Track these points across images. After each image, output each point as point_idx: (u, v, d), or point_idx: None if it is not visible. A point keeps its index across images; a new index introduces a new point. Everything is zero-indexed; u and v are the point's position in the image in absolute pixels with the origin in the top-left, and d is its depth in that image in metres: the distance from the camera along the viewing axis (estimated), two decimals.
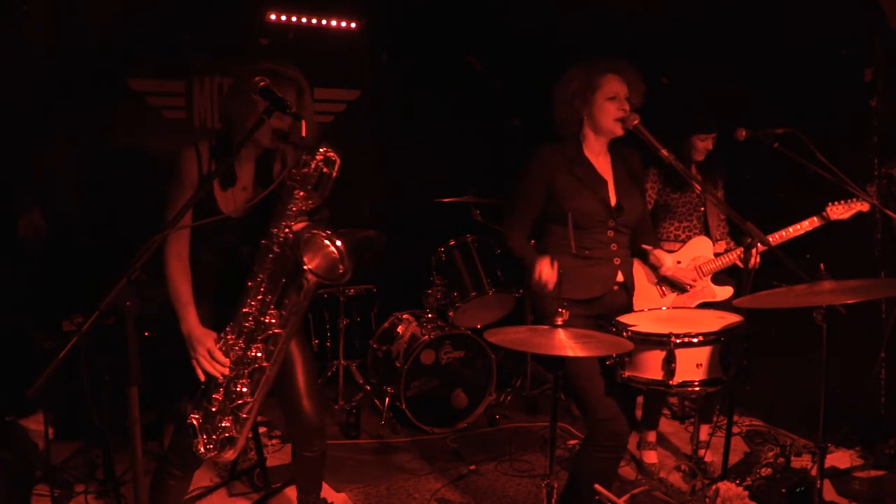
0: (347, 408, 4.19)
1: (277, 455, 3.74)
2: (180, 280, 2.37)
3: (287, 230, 2.26)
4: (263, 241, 2.29)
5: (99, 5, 4.27)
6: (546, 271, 2.52)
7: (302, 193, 2.24)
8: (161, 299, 2.42)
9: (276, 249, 2.28)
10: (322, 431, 2.72)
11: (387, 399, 4.23)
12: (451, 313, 4.52)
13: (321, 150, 2.22)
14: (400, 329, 4.39)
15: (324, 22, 5.28)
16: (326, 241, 2.24)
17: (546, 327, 2.27)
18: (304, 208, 2.27)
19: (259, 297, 2.30)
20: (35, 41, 4.17)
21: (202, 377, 2.32)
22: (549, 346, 2.16)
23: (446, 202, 4.77)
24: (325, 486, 3.46)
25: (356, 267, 2.25)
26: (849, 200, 3.33)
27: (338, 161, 2.22)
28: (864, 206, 3.35)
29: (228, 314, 2.35)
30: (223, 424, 2.35)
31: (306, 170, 2.22)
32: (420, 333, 4.23)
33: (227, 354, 2.31)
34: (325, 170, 2.22)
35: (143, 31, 4.45)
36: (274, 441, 3.87)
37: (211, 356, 2.30)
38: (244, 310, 2.31)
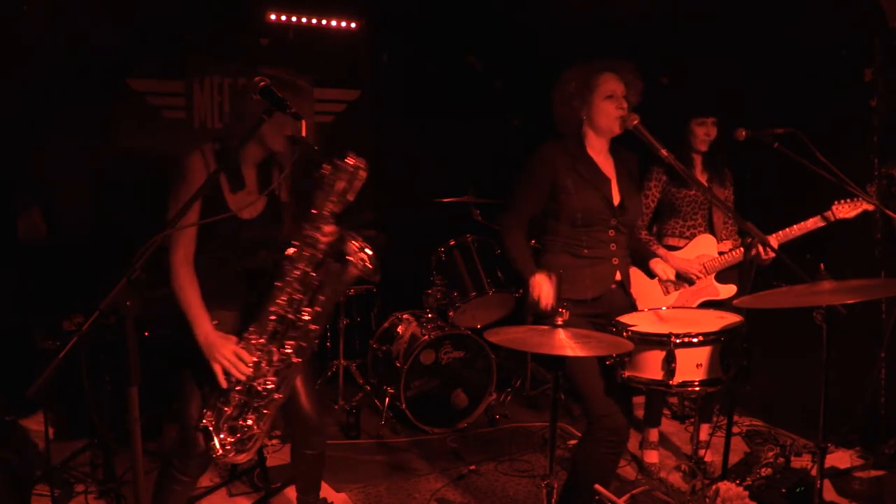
0: (347, 408, 4.19)
1: (277, 455, 3.73)
2: (191, 286, 2.36)
3: (318, 233, 2.35)
4: (296, 242, 2.34)
5: (99, 5, 4.27)
6: (545, 294, 2.54)
7: (333, 198, 2.34)
8: (162, 299, 2.42)
9: (308, 250, 2.34)
10: (322, 430, 2.73)
11: (387, 399, 4.23)
12: (451, 313, 4.53)
13: (351, 159, 2.36)
14: (400, 329, 4.39)
15: (324, 22, 5.29)
16: (358, 245, 2.39)
17: (546, 327, 2.27)
18: (334, 210, 2.36)
19: (286, 297, 2.35)
20: (35, 41, 4.17)
21: (224, 383, 2.34)
22: (549, 346, 2.16)
23: (446, 202, 4.77)
24: (325, 485, 3.46)
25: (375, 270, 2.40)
26: (854, 199, 3.30)
27: (365, 171, 2.39)
28: (869, 206, 3.32)
29: (251, 316, 2.40)
30: (247, 423, 2.40)
31: (335, 177, 2.33)
32: (420, 333, 4.23)
33: (251, 354, 2.35)
34: (358, 178, 2.37)
35: (143, 31, 4.45)
36: (274, 441, 3.86)
37: (237, 357, 2.32)
38: (272, 308, 2.35)
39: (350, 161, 2.34)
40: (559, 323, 2.24)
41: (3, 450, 3.08)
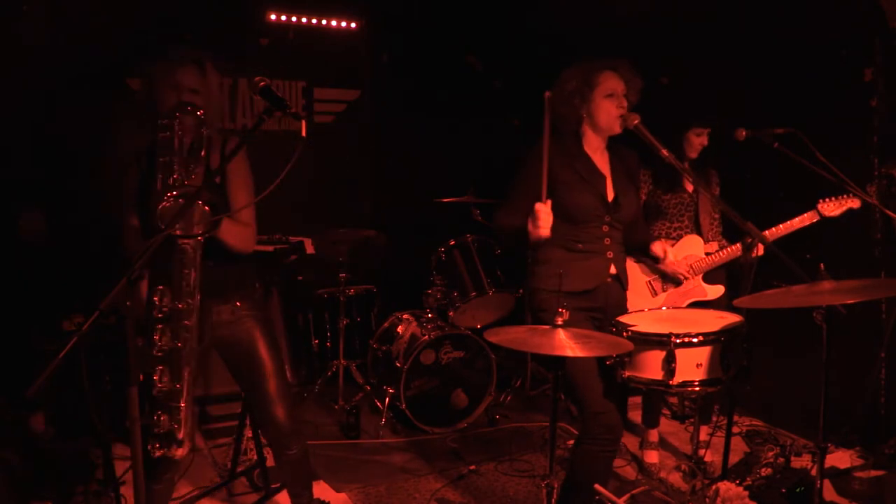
0: (347, 408, 4.19)
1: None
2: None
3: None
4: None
5: (99, 5, 4.27)
6: (543, 218, 2.48)
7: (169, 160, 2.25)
8: None
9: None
10: (297, 433, 2.72)
11: (387, 399, 4.23)
12: (451, 313, 4.53)
13: (185, 110, 2.26)
14: (400, 329, 4.39)
15: (324, 22, 5.29)
16: (181, 204, 2.13)
17: (546, 327, 2.27)
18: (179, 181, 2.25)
19: (160, 288, 2.24)
20: (35, 41, 4.16)
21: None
22: (549, 346, 2.16)
23: (446, 202, 4.77)
24: (325, 486, 3.47)
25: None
26: (839, 197, 3.32)
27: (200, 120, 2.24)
28: (854, 203, 3.33)
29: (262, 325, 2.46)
30: (161, 420, 2.30)
31: (165, 134, 2.25)
32: (420, 333, 4.23)
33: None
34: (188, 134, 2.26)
35: (143, 31, 4.45)
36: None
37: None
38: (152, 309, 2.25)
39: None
40: (559, 323, 2.25)
41: (3, 450, 3.08)
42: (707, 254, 3.50)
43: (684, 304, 3.46)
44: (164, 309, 2.25)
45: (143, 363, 2.24)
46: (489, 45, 5.57)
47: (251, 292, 2.64)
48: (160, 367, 2.28)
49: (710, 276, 3.52)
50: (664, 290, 3.45)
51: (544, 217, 2.47)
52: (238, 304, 2.57)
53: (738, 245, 3.44)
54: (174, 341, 2.28)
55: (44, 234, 4.21)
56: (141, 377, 2.19)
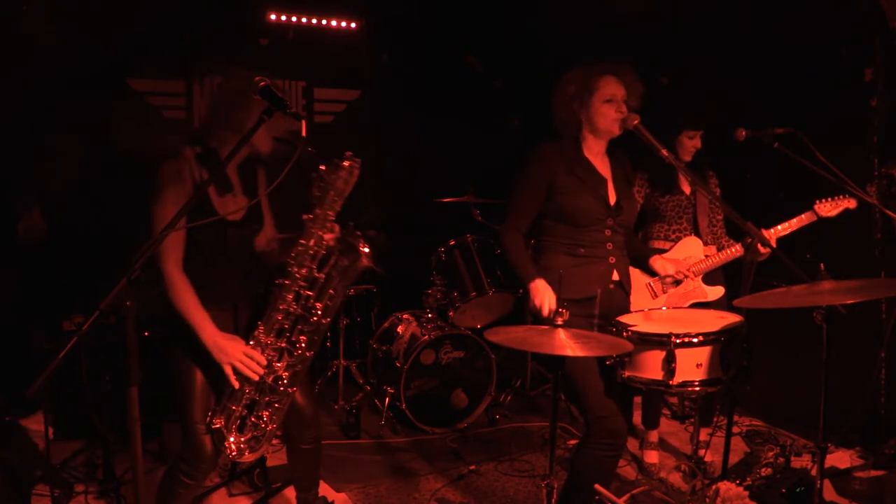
0: (347, 408, 4.19)
1: (277, 455, 3.72)
2: (187, 291, 2.37)
3: (324, 231, 2.39)
4: (302, 241, 2.38)
5: (98, 5, 4.27)
6: (548, 300, 2.59)
7: (332, 195, 2.38)
8: (162, 299, 2.42)
9: (314, 249, 2.39)
10: (316, 424, 2.75)
11: (387, 399, 4.23)
12: (451, 313, 4.52)
13: (347, 160, 2.38)
14: (400, 329, 4.39)
15: (324, 22, 5.29)
16: (361, 241, 2.46)
17: (546, 327, 2.27)
18: (337, 209, 2.42)
19: (292, 295, 2.40)
20: (35, 41, 4.17)
21: (235, 384, 2.37)
22: (549, 346, 2.16)
23: (446, 202, 4.77)
24: (325, 485, 3.46)
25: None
26: (835, 197, 3.32)
27: (359, 168, 2.40)
28: (850, 203, 3.33)
29: (246, 312, 2.47)
30: (262, 419, 2.45)
31: (335, 176, 2.36)
32: (420, 333, 4.23)
33: (262, 353, 2.39)
34: (354, 176, 2.40)
35: (143, 31, 4.45)
36: (274, 441, 3.85)
37: (249, 357, 2.35)
38: (280, 306, 2.39)
39: (346, 162, 2.39)
40: (559, 323, 2.25)
41: (3, 450, 3.08)
42: (706, 255, 3.50)
43: (684, 306, 3.46)
44: (314, 319, 2.43)
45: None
46: (489, 45, 5.57)
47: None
48: (286, 374, 2.45)
49: (709, 278, 3.52)
50: (664, 292, 3.45)
51: (548, 298, 2.59)
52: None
53: (737, 246, 3.44)
54: (308, 350, 2.46)
55: (44, 235, 4.21)
56: (257, 376, 2.37)
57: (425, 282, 4.65)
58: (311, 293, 2.43)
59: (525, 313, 2.85)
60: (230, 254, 2.50)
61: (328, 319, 2.46)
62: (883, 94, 3.65)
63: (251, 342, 2.40)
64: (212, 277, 2.43)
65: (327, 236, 2.40)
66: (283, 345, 2.44)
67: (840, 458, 3.60)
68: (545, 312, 2.58)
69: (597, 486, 2.61)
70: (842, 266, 2.39)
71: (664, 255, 3.48)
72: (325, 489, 3.46)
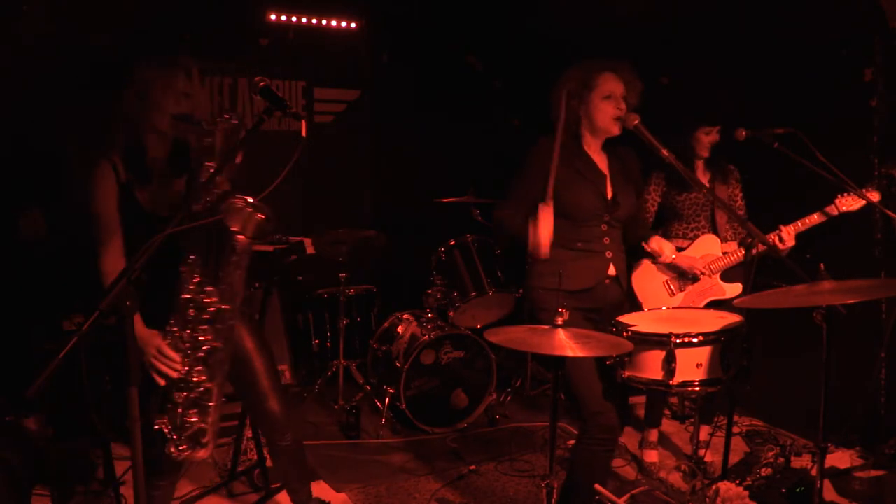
0: (347, 408, 4.19)
1: None
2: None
3: (207, 202, 2.22)
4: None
5: (99, 5, 4.27)
6: (544, 230, 2.49)
7: (212, 163, 2.22)
8: None
9: (198, 230, 2.23)
10: (291, 424, 2.72)
11: (387, 399, 4.23)
12: (451, 313, 4.52)
13: (223, 118, 2.25)
14: (400, 329, 4.39)
15: (324, 22, 5.29)
16: (246, 206, 2.19)
17: (546, 327, 2.27)
18: (219, 178, 2.25)
19: (196, 280, 2.25)
20: (35, 41, 4.16)
21: (161, 381, 2.28)
22: (549, 346, 2.16)
23: (446, 202, 4.77)
24: (325, 486, 3.47)
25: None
26: (857, 191, 3.30)
27: (239, 125, 2.25)
28: (874, 197, 3.29)
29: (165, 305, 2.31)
30: (191, 419, 2.31)
31: (210, 139, 2.24)
32: (420, 333, 4.23)
33: (176, 348, 2.27)
34: (228, 136, 2.24)
35: (143, 31, 4.44)
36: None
37: (161, 354, 2.25)
38: (184, 296, 2.26)
39: (222, 123, 2.26)
40: (559, 323, 2.25)
41: (3, 450, 3.08)
42: (724, 253, 3.49)
43: (702, 304, 3.45)
44: (211, 309, 2.27)
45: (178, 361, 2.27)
46: (489, 45, 5.57)
47: None
48: (199, 367, 2.30)
49: (727, 275, 3.51)
50: (682, 290, 3.45)
51: (545, 223, 2.48)
52: None
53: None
54: (217, 341, 2.29)
55: (44, 235, 4.21)
56: (177, 373, 2.25)
57: (425, 282, 4.65)
58: (203, 278, 2.28)
59: (525, 313, 2.85)
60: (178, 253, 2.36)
61: (229, 305, 2.27)
62: (883, 94, 3.65)
63: (167, 338, 2.28)
64: (150, 270, 2.31)
65: (197, 207, 2.21)
66: (201, 336, 2.29)
67: (840, 458, 3.60)
68: (541, 250, 2.50)
69: (596, 486, 2.61)
70: (842, 266, 2.38)
71: (682, 252, 3.48)
72: (325, 489, 3.46)
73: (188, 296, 2.26)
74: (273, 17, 5.09)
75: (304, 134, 2.12)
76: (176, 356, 2.27)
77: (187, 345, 2.28)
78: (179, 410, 2.31)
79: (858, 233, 3.68)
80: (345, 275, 4.59)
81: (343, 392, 4.55)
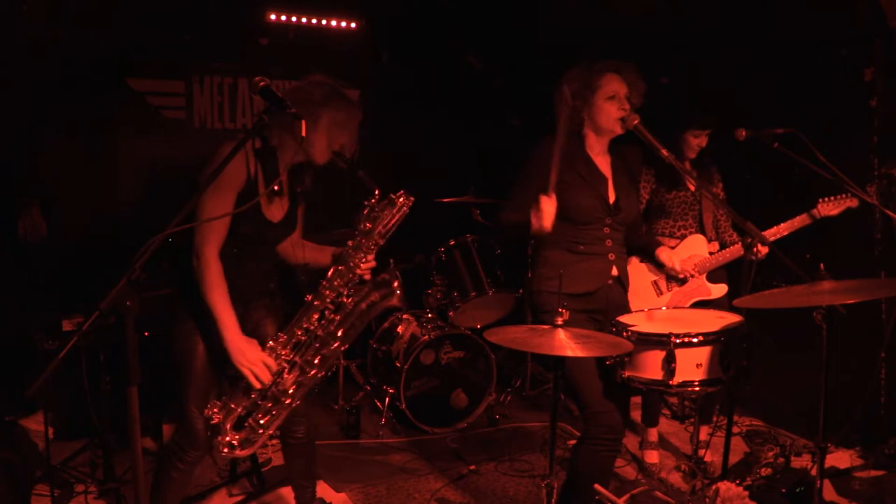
0: (347, 408, 4.19)
1: (278, 454, 3.73)
2: (220, 283, 2.37)
3: (361, 261, 2.49)
4: (340, 267, 2.46)
5: (98, 5, 4.27)
6: (545, 206, 2.47)
7: (380, 230, 2.49)
8: (162, 300, 2.43)
9: (349, 275, 2.48)
10: (307, 417, 2.76)
11: (387, 399, 4.23)
12: (451, 313, 4.52)
13: (403, 197, 2.56)
14: (400, 329, 4.39)
15: (324, 22, 5.28)
16: (394, 277, 2.57)
17: (546, 327, 2.27)
18: (380, 242, 2.51)
19: (317, 314, 2.46)
20: (35, 41, 4.17)
21: (257, 384, 2.38)
22: (549, 346, 2.17)
23: (446, 202, 4.77)
24: (325, 486, 3.47)
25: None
26: (838, 197, 3.32)
27: (409, 209, 2.56)
28: (853, 202, 3.32)
29: (262, 317, 2.52)
30: (259, 422, 2.46)
31: (386, 211, 2.51)
32: (420, 333, 4.23)
33: (276, 362, 2.42)
34: (401, 214, 2.55)
35: (143, 30, 4.45)
36: (274, 441, 3.86)
37: (264, 365, 2.38)
38: (304, 324, 2.44)
39: (401, 199, 2.53)
40: (559, 323, 2.25)
41: (3, 450, 3.08)
42: (711, 253, 3.50)
43: (688, 304, 3.46)
44: (334, 343, 2.49)
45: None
46: (489, 45, 5.57)
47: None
48: (294, 386, 2.48)
49: (712, 275, 3.52)
50: (669, 290, 3.45)
51: (548, 209, 2.46)
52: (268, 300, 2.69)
53: (740, 244, 3.44)
54: (321, 370, 2.49)
55: (44, 234, 4.21)
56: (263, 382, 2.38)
57: (425, 282, 4.65)
58: (336, 317, 2.48)
59: (525, 313, 2.85)
60: (260, 253, 2.54)
61: (345, 346, 2.50)
62: (883, 94, 3.65)
63: (267, 350, 2.42)
64: (236, 272, 2.44)
65: (364, 266, 2.47)
66: (298, 360, 2.47)
67: (840, 458, 3.60)
68: (544, 210, 2.48)
69: (597, 486, 2.61)
70: (842, 266, 2.39)
71: (673, 251, 3.48)
72: (325, 489, 3.46)
73: (307, 324, 2.46)
74: (273, 17, 5.08)
75: (303, 134, 2.13)
76: (273, 364, 2.41)
77: (286, 364, 2.45)
78: (237, 409, 2.43)
79: (858, 233, 3.68)
80: None
81: (343, 392, 4.55)
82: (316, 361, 2.48)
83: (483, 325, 4.72)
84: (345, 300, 2.49)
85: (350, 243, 2.50)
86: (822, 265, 2.23)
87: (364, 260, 2.48)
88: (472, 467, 3.68)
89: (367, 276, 2.52)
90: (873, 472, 3.40)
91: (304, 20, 5.19)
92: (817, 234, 3.37)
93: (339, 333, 2.48)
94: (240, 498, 3.38)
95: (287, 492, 3.11)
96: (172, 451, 2.50)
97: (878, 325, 3.64)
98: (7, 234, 4.15)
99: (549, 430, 2.35)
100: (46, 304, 3.81)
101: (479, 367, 4.31)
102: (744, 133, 2.95)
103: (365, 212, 2.49)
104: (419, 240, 4.79)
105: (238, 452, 2.47)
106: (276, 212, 2.55)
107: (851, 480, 3.38)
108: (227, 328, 2.35)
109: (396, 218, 2.51)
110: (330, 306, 2.47)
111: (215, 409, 2.43)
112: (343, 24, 5.34)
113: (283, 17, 5.11)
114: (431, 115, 5.31)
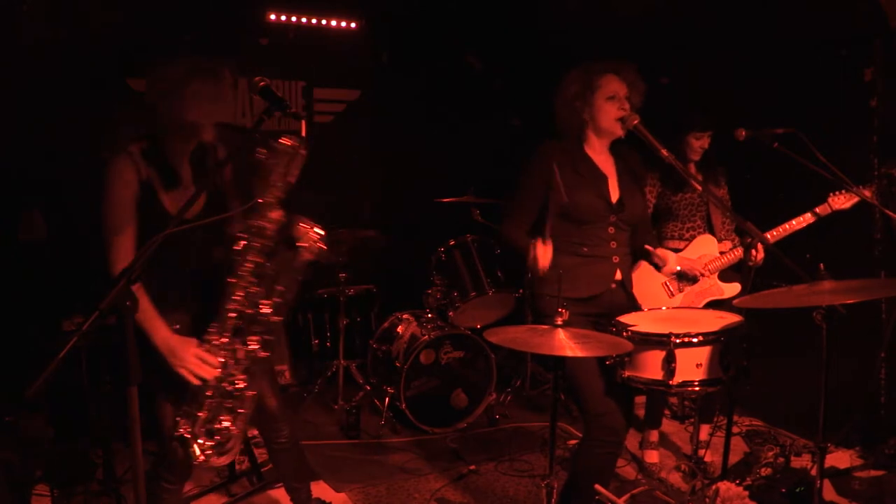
0: (347, 408, 4.19)
1: None
2: (139, 293, 2.26)
3: (264, 221, 2.25)
4: (243, 235, 2.27)
5: (99, 5, 4.27)
6: (540, 253, 2.48)
7: (277, 183, 2.24)
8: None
9: (258, 241, 2.27)
10: (285, 419, 2.73)
11: (387, 399, 4.23)
12: (451, 313, 4.52)
13: (287, 140, 2.24)
14: (400, 329, 4.39)
15: (324, 22, 5.29)
16: (308, 228, 2.31)
17: (546, 327, 2.27)
18: (278, 195, 2.26)
19: (242, 292, 2.28)
20: (35, 41, 4.16)
21: (195, 381, 2.28)
22: (549, 346, 2.16)
23: (446, 202, 4.77)
24: (324, 486, 3.47)
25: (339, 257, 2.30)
26: (850, 189, 3.31)
27: (305, 149, 2.25)
28: (866, 193, 3.30)
29: (205, 315, 2.33)
30: (223, 425, 2.35)
31: (274, 160, 2.23)
32: (420, 333, 4.23)
33: (215, 355, 2.30)
34: (297, 158, 2.25)
35: (143, 30, 4.45)
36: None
37: (201, 360, 2.27)
38: (229, 306, 2.28)
39: (286, 142, 2.24)
40: (559, 323, 2.24)
41: (3, 450, 3.08)
42: (721, 252, 3.49)
43: (701, 304, 3.45)
44: (264, 319, 2.32)
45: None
46: (489, 45, 5.57)
47: None
48: (242, 375, 2.35)
49: (724, 275, 3.51)
50: (681, 291, 3.45)
51: (542, 256, 2.48)
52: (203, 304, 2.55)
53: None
54: (262, 351, 2.35)
55: (44, 235, 4.21)
56: (212, 375, 2.28)
57: (425, 282, 4.65)
58: (259, 289, 2.31)
59: (525, 313, 2.85)
60: (187, 253, 2.38)
61: (279, 317, 2.34)
62: (883, 94, 3.65)
63: (203, 345, 2.29)
64: (168, 279, 2.34)
65: (270, 226, 2.26)
66: (238, 346, 2.33)
67: (840, 458, 3.60)
68: (540, 265, 2.49)
69: (597, 486, 2.61)
70: (842, 266, 2.38)
71: (680, 254, 3.48)
72: (324, 489, 3.46)
73: (234, 306, 2.29)
74: (273, 17, 5.09)
75: (303, 134, 2.13)
76: (215, 361, 2.29)
77: (229, 352, 2.32)
78: (202, 416, 2.33)
79: (858, 233, 3.68)
80: (345, 275, 4.59)
81: (343, 392, 4.55)
82: (254, 342, 2.33)
83: (483, 325, 4.71)
84: (267, 270, 2.31)
85: (245, 207, 2.30)
86: (822, 265, 2.23)
87: (268, 220, 2.25)
88: (472, 467, 3.69)
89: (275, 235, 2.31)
90: (873, 472, 3.41)
91: (304, 20, 5.19)
92: (817, 234, 3.37)
93: (267, 305, 2.31)
94: (240, 498, 3.38)
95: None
96: (159, 473, 2.45)
97: (878, 325, 3.65)
98: (7, 234, 4.15)
99: (549, 430, 2.35)
100: (46, 304, 3.81)
101: (479, 367, 4.31)
102: (744, 133, 2.95)
103: (254, 170, 2.27)
104: (419, 240, 4.81)
105: (216, 460, 2.37)
106: (177, 204, 2.36)
107: (851, 480, 3.38)
108: (154, 332, 2.26)
109: (284, 164, 2.24)
110: (251, 280, 2.29)
111: (182, 422, 2.33)
112: (343, 24, 5.35)
113: (283, 17, 5.12)
114: (431, 115, 5.31)
